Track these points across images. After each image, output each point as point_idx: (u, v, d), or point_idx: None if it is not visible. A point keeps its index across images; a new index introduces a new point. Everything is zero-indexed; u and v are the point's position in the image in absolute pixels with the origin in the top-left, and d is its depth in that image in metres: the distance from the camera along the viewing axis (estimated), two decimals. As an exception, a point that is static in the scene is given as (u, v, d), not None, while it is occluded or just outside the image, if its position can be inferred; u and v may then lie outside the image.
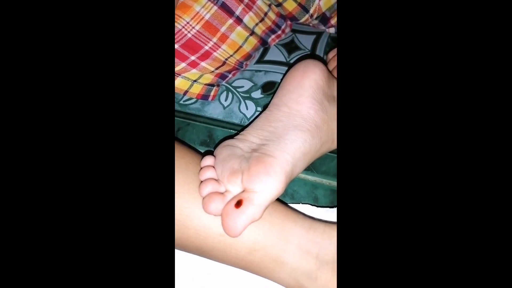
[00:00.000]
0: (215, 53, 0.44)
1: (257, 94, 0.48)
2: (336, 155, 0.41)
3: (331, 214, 0.38)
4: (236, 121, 0.45)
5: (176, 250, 0.34)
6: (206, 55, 0.44)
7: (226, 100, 0.47)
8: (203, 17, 0.42)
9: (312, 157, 0.34)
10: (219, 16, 0.43)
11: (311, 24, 0.52)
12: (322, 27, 0.52)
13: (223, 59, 0.45)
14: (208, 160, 0.33)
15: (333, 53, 0.47)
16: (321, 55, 0.51)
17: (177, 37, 0.42)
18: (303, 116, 0.34)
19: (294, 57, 0.51)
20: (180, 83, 0.44)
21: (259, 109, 0.46)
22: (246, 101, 0.47)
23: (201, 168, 0.32)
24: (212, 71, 0.45)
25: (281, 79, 0.38)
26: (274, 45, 0.52)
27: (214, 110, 0.46)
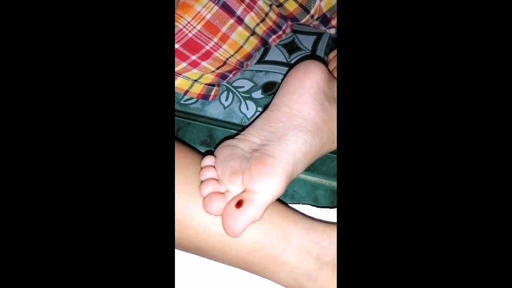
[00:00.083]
0: (215, 53, 0.44)
1: (257, 94, 0.48)
2: (336, 156, 0.41)
3: (331, 215, 0.38)
4: (237, 121, 0.45)
5: (176, 250, 0.34)
6: (206, 55, 0.44)
7: (226, 100, 0.47)
8: (204, 17, 0.42)
9: (313, 158, 0.34)
10: (220, 16, 0.43)
11: (311, 25, 0.52)
12: (323, 28, 0.52)
13: (224, 59, 0.45)
14: (208, 160, 0.33)
15: (333, 54, 0.47)
16: (322, 55, 0.51)
17: (178, 36, 0.42)
18: (304, 117, 0.34)
19: (295, 57, 0.51)
20: (180, 83, 0.44)
21: (260, 109, 0.46)
22: (246, 101, 0.47)
23: (202, 168, 0.32)
24: (213, 71, 0.45)
25: (282, 80, 0.38)
26: (275, 45, 0.52)
27: (214, 110, 0.46)
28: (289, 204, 0.39)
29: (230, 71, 0.47)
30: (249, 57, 0.48)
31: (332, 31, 0.52)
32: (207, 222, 0.31)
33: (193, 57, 0.43)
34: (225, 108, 0.47)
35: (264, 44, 0.49)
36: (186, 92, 0.45)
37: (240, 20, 0.44)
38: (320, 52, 0.51)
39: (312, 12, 0.47)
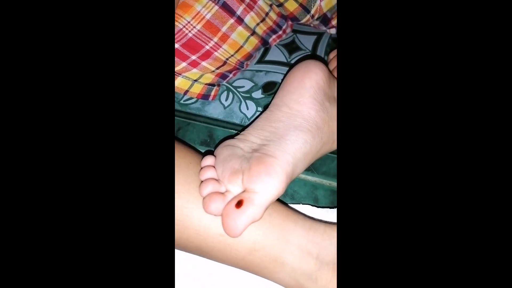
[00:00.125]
0: (215, 53, 0.44)
1: (257, 94, 0.47)
2: (336, 156, 0.41)
3: (331, 215, 0.38)
4: (237, 121, 0.45)
5: (176, 250, 0.34)
6: (206, 55, 0.43)
7: (226, 100, 0.47)
8: (204, 17, 0.42)
9: (313, 158, 0.34)
10: (220, 15, 0.43)
11: (312, 25, 0.52)
12: (323, 28, 0.52)
13: (224, 59, 0.45)
14: (208, 160, 0.33)
15: (334, 53, 0.47)
16: (322, 55, 0.50)
17: (177, 36, 0.42)
18: (304, 117, 0.34)
19: (295, 57, 0.50)
20: (180, 83, 0.44)
21: (260, 109, 0.46)
22: (246, 101, 0.47)
23: (202, 168, 0.32)
24: (213, 71, 0.45)
25: (282, 80, 0.38)
26: (275, 45, 0.52)
27: (214, 110, 0.46)
28: (289, 204, 0.39)
29: (230, 71, 0.47)
30: (249, 57, 0.48)
31: (333, 31, 0.52)
32: (207, 222, 0.31)
33: (193, 57, 0.43)
34: (225, 108, 0.47)
35: (264, 44, 0.49)
36: (186, 92, 0.45)
37: (240, 20, 0.44)
38: (321, 52, 0.51)
39: (312, 12, 0.47)
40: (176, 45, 0.42)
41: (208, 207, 0.29)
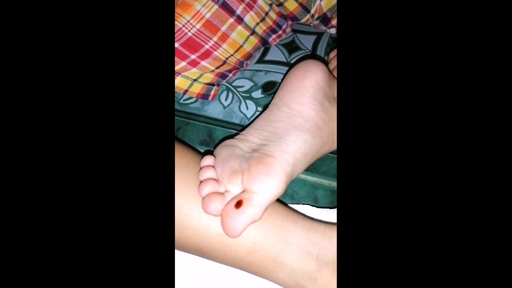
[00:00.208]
0: (215, 52, 0.44)
1: (257, 94, 0.47)
2: (336, 156, 0.41)
3: (331, 215, 0.38)
4: (236, 121, 0.45)
5: (176, 250, 0.34)
6: (206, 54, 0.43)
7: (226, 99, 0.47)
8: (203, 16, 0.42)
9: (313, 158, 0.34)
10: (219, 15, 0.43)
11: (312, 24, 0.52)
12: (323, 28, 0.52)
13: (224, 59, 0.45)
14: (208, 160, 0.33)
15: (334, 53, 0.47)
16: (322, 55, 0.50)
17: (177, 35, 0.41)
18: (304, 117, 0.34)
19: (295, 57, 0.50)
20: (180, 82, 0.44)
21: (260, 109, 0.46)
22: (246, 101, 0.47)
23: (201, 168, 0.32)
24: (212, 71, 0.45)
25: (282, 79, 0.38)
26: (275, 45, 0.52)
27: (214, 110, 0.46)
28: (289, 204, 0.39)
29: (229, 71, 0.47)
30: (249, 56, 0.48)
31: (333, 30, 0.51)
32: (206, 222, 0.31)
33: (193, 56, 0.43)
34: (224, 107, 0.46)
35: (264, 43, 0.49)
36: (186, 91, 0.45)
37: (240, 19, 0.44)
38: (320, 51, 0.51)
39: (312, 11, 0.47)
40: (176, 44, 0.42)
41: (207, 207, 0.29)
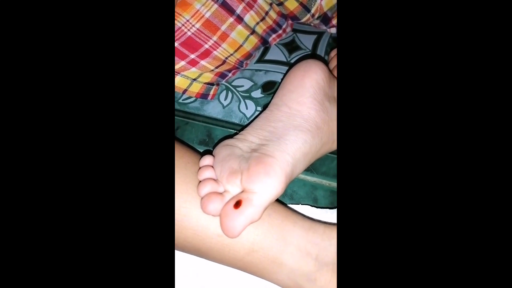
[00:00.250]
0: (215, 52, 0.44)
1: (257, 93, 0.47)
2: (335, 156, 0.41)
3: (330, 215, 0.38)
4: (236, 120, 0.45)
5: (175, 251, 0.34)
6: (206, 54, 0.43)
7: (225, 99, 0.47)
8: (203, 15, 0.42)
9: (312, 158, 0.34)
10: (219, 14, 0.43)
11: (312, 24, 0.51)
12: (323, 27, 0.52)
13: (223, 58, 0.45)
14: (207, 160, 0.32)
15: (334, 52, 0.47)
16: (322, 55, 0.50)
17: (176, 35, 0.41)
18: (304, 117, 0.33)
19: (295, 57, 0.50)
20: (179, 82, 0.44)
21: (259, 108, 0.46)
22: (246, 100, 0.47)
23: (200, 168, 0.32)
24: (212, 70, 0.45)
25: (282, 79, 0.38)
26: (275, 44, 0.52)
27: (213, 109, 0.46)
28: (289, 205, 0.39)
29: (229, 70, 0.47)
30: (248, 56, 0.47)
31: (333, 30, 0.51)
32: (205, 222, 0.31)
33: (192, 56, 0.43)
34: (224, 107, 0.46)
35: (264, 43, 0.49)
36: (185, 91, 0.45)
37: (239, 19, 0.44)
38: (321, 51, 0.51)
39: (312, 11, 0.47)
40: (175, 44, 0.42)
41: (206, 207, 0.29)
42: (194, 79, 0.44)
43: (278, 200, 0.35)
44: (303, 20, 0.49)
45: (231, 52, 0.45)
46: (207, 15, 0.42)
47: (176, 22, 0.41)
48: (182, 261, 0.36)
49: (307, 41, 0.52)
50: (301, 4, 0.46)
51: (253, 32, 0.46)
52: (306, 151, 0.32)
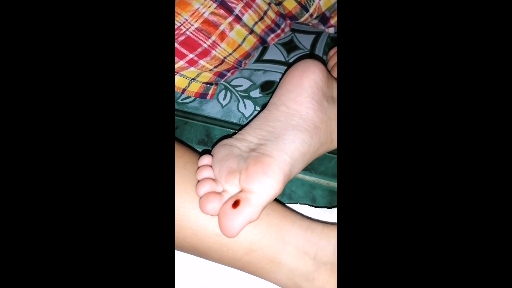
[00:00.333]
0: (213, 51, 0.44)
1: (255, 93, 0.47)
2: (334, 156, 0.41)
3: (329, 215, 0.38)
4: (235, 120, 0.45)
5: (175, 251, 0.34)
6: (204, 53, 0.43)
7: (224, 99, 0.47)
8: (202, 15, 0.42)
9: (311, 158, 0.34)
10: (218, 14, 0.43)
11: (310, 24, 0.52)
12: (322, 27, 0.52)
13: (222, 58, 0.45)
14: (205, 159, 0.32)
15: (334, 50, 0.47)
16: (320, 55, 0.50)
17: (175, 34, 0.41)
18: (302, 116, 0.33)
19: (293, 56, 0.50)
20: (178, 81, 0.44)
21: (258, 108, 0.46)
22: (244, 100, 0.47)
23: (199, 168, 0.32)
24: (211, 70, 0.45)
25: (280, 79, 0.38)
26: (273, 44, 0.52)
27: (212, 109, 0.46)
28: (287, 204, 0.39)
29: (228, 70, 0.47)
30: (247, 55, 0.47)
31: (331, 30, 0.51)
32: (204, 222, 0.31)
33: (191, 55, 0.43)
34: (223, 107, 0.46)
35: (263, 42, 0.49)
36: (184, 90, 0.45)
37: (238, 19, 0.44)
38: (319, 51, 0.51)
39: (311, 11, 0.47)
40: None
41: (204, 207, 0.29)
42: (193, 79, 0.44)
43: (276, 200, 0.35)
44: (302, 20, 0.49)
45: (230, 51, 0.45)
46: (205, 15, 0.42)
47: (175, 21, 0.41)
48: (182, 261, 0.36)
49: (305, 41, 0.52)
50: (299, 4, 0.46)
51: (251, 31, 0.46)
52: (304, 151, 0.32)
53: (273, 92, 0.37)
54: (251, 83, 0.48)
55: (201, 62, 0.44)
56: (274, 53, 0.51)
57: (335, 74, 0.42)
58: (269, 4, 0.47)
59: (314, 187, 0.40)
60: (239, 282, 0.36)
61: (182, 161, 0.33)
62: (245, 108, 0.46)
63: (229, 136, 0.35)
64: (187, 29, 0.42)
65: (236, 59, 0.46)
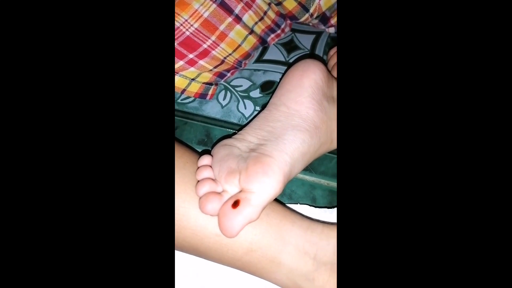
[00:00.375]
0: (213, 52, 0.44)
1: (255, 93, 0.47)
2: (334, 156, 0.41)
3: (329, 215, 0.38)
4: (234, 120, 0.45)
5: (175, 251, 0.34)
6: (204, 54, 0.43)
7: (224, 99, 0.47)
8: (201, 15, 0.42)
9: (311, 158, 0.34)
10: (218, 14, 0.43)
11: (311, 24, 0.52)
12: (322, 27, 0.52)
13: (222, 58, 0.45)
14: (205, 160, 0.32)
15: (334, 50, 0.47)
16: (321, 54, 0.50)
17: (175, 34, 0.41)
18: (302, 116, 0.33)
19: (293, 56, 0.50)
20: (178, 82, 0.44)
21: (258, 108, 0.46)
22: (244, 100, 0.47)
23: (198, 168, 0.32)
24: (211, 70, 0.45)
25: (280, 79, 0.38)
26: (274, 44, 0.52)
27: (212, 109, 0.46)
28: (287, 204, 0.39)
29: (228, 70, 0.47)
30: (247, 56, 0.47)
31: (331, 30, 0.51)
32: (204, 222, 0.31)
33: (191, 56, 0.43)
34: (222, 107, 0.46)
35: (263, 43, 0.49)
36: (183, 91, 0.45)
37: (238, 19, 0.44)
38: (319, 51, 0.51)
39: (311, 10, 0.47)
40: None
41: (204, 207, 0.29)
42: (193, 79, 0.44)
43: (276, 200, 0.35)
44: (302, 20, 0.49)
45: (230, 52, 0.45)
46: (205, 15, 0.42)
47: (174, 22, 0.41)
48: (182, 261, 0.36)
49: (305, 41, 0.52)
50: (299, 3, 0.46)
51: (251, 32, 0.46)
52: (304, 151, 0.32)
53: (273, 92, 0.37)
54: (251, 83, 0.48)
55: (201, 62, 0.44)
56: (274, 53, 0.51)
57: (335, 73, 0.42)
58: (269, 4, 0.47)
59: (314, 187, 0.40)
60: (239, 282, 0.36)
61: (182, 161, 0.33)
62: (245, 108, 0.46)
63: (229, 136, 0.35)
64: (187, 30, 0.42)
65: (236, 59, 0.46)
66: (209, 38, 0.43)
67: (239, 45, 0.45)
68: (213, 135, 0.44)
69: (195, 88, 0.45)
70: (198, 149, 0.42)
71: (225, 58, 0.45)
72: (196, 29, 0.42)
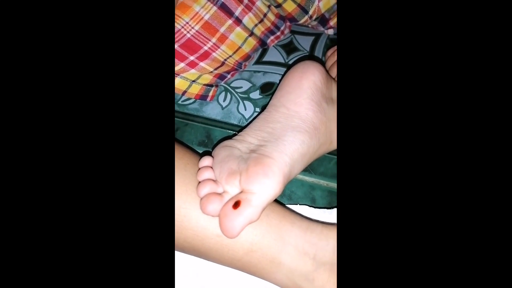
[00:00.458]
0: (214, 54, 0.44)
1: (255, 94, 0.48)
2: (333, 156, 0.41)
3: (328, 215, 0.38)
4: (235, 121, 0.45)
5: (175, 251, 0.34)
6: (205, 56, 0.43)
7: (224, 100, 0.47)
8: (202, 18, 0.42)
9: (310, 158, 0.34)
10: (218, 16, 0.43)
11: (310, 25, 0.52)
12: (321, 28, 0.52)
13: (222, 60, 0.45)
14: (206, 161, 0.33)
15: (331, 50, 0.47)
16: (320, 56, 0.51)
17: (176, 37, 0.42)
18: (302, 117, 0.34)
19: (293, 58, 0.51)
20: (178, 83, 0.44)
21: (258, 109, 0.46)
22: (244, 101, 0.47)
23: (199, 169, 0.32)
24: (211, 72, 0.45)
25: (280, 80, 0.38)
26: (273, 46, 0.52)
27: (212, 111, 0.46)
28: (287, 205, 0.39)
29: (228, 72, 0.47)
30: (247, 57, 0.48)
31: (330, 31, 0.52)
32: (204, 223, 0.31)
33: (191, 58, 0.43)
34: (223, 108, 0.47)
35: (263, 44, 0.49)
36: (184, 92, 0.45)
37: (238, 21, 0.44)
38: (318, 52, 0.51)
39: (310, 12, 0.47)
40: (175, 46, 0.42)
41: (205, 208, 0.29)
42: (194, 81, 0.45)
43: (276, 201, 0.35)
44: (301, 21, 0.49)
45: (230, 53, 0.45)
46: (206, 17, 0.42)
47: (175, 24, 0.41)
48: (182, 261, 0.36)
49: (305, 43, 0.52)
50: (299, 5, 0.46)
51: (251, 34, 0.46)
52: (304, 152, 0.32)
53: (272, 94, 0.37)
54: (251, 84, 0.49)
55: (202, 64, 0.44)
56: (273, 54, 0.51)
57: (333, 73, 0.42)
58: (268, 6, 0.47)
59: (313, 187, 0.41)
60: (239, 282, 0.36)
61: (182, 162, 0.34)
62: (245, 109, 0.46)
63: (229, 137, 0.35)
64: (188, 32, 0.42)
65: (236, 61, 0.46)
66: (210, 40, 0.43)
67: (239, 47, 0.46)
68: (213, 136, 0.44)
69: (195, 89, 0.45)
70: (198, 150, 0.42)
71: (225, 60, 0.45)
72: (196, 31, 0.42)
